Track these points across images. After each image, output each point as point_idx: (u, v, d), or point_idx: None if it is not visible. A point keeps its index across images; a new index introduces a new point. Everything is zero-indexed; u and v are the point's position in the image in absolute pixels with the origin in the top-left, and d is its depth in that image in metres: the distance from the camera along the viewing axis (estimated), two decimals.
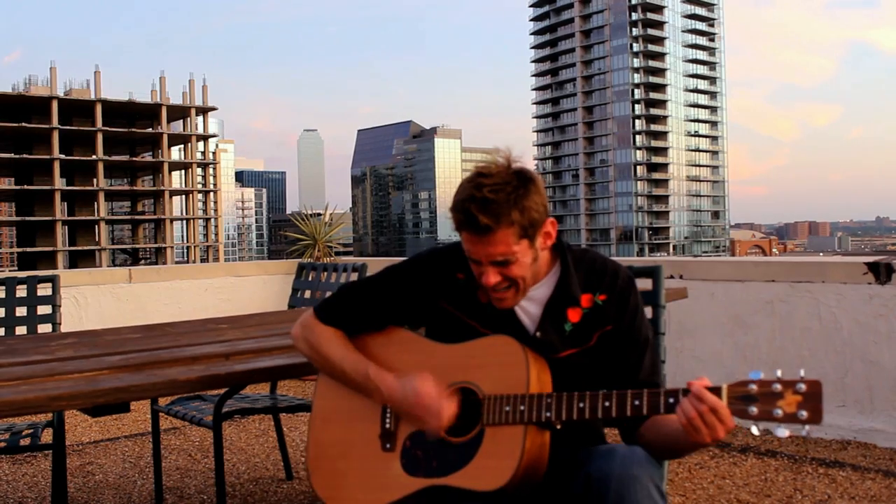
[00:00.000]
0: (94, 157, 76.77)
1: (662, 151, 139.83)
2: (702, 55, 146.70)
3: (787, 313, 5.28)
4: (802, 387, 1.84)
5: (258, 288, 8.31)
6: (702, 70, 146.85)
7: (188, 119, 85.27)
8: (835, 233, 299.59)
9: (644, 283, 2.84)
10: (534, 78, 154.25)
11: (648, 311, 2.82)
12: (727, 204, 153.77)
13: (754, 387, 1.88)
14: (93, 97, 78.01)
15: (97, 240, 79.63)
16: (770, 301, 5.36)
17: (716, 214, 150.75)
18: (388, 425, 2.23)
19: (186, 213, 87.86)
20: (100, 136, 76.78)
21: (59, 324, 4.19)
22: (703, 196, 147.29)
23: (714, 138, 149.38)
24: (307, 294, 4.79)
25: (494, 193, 2.06)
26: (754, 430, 1.88)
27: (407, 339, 2.34)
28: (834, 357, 5.06)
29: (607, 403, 2.02)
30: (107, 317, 7.23)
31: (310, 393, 2.42)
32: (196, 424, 3.82)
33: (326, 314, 2.37)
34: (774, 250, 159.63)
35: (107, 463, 4.93)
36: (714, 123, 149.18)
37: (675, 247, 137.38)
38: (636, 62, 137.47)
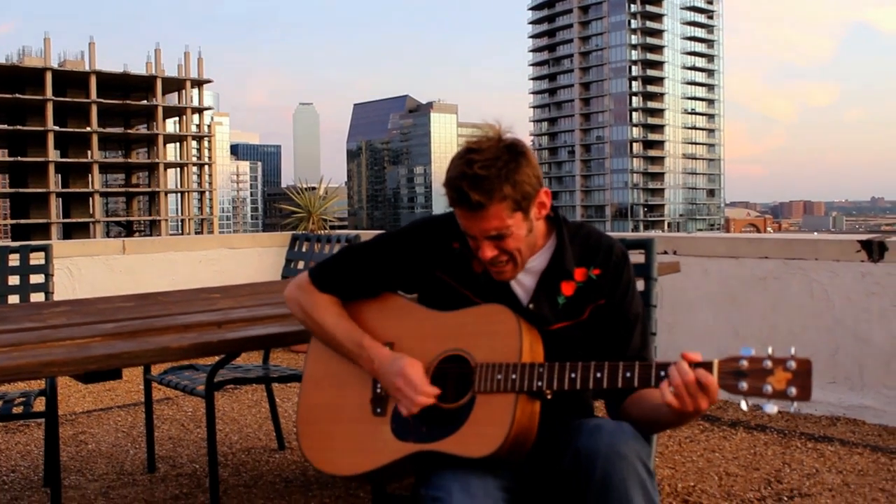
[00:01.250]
0: (88, 129, 76.48)
1: (659, 129, 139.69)
2: (700, 33, 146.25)
3: (780, 290, 5.29)
4: (793, 364, 1.85)
5: (252, 260, 8.31)
6: (700, 48, 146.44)
7: (183, 92, 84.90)
8: (830, 212, 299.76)
9: (637, 257, 2.85)
10: (531, 53, 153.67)
11: (640, 284, 2.84)
12: (723, 182, 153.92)
13: (745, 363, 1.89)
14: (87, 69, 77.64)
15: (91, 212, 79.44)
16: (763, 278, 5.38)
17: (711, 192, 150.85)
18: (379, 390, 2.24)
19: (181, 186, 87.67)
20: (94, 108, 76.45)
21: (52, 293, 4.19)
22: (699, 174, 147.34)
23: (711, 116, 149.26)
24: (300, 265, 4.80)
25: (485, 170, 2.06)
26: (744, 406, 1.89)
27: (401, 306, 2.35)
28: (825, 334, 5.07)
29: (599, 374, 2.03)
30: (100, 288, 7.22)
31: (302, 364, 2.43)
32: (189, 393, 3.83)
33: (322, 280, 2.37)
34: (769, 229, 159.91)
35: (100, 432, 4.94)
36: (711, 101, 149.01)
37: (669, 224, 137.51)
38: (634, 39, 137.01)
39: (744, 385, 1.87)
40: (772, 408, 1.85)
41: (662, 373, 1.98)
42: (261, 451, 4.53)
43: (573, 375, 2.04)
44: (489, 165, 2.07)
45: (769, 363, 1.86)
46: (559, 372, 2.06)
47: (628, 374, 2.01)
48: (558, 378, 2.05)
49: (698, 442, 4.52)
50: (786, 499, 3.66)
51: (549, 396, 2.10)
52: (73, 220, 77.82)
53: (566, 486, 2.10)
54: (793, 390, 1.83)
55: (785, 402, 1.85)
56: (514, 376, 2.07)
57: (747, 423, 4.86)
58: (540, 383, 2.06)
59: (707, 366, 1.92)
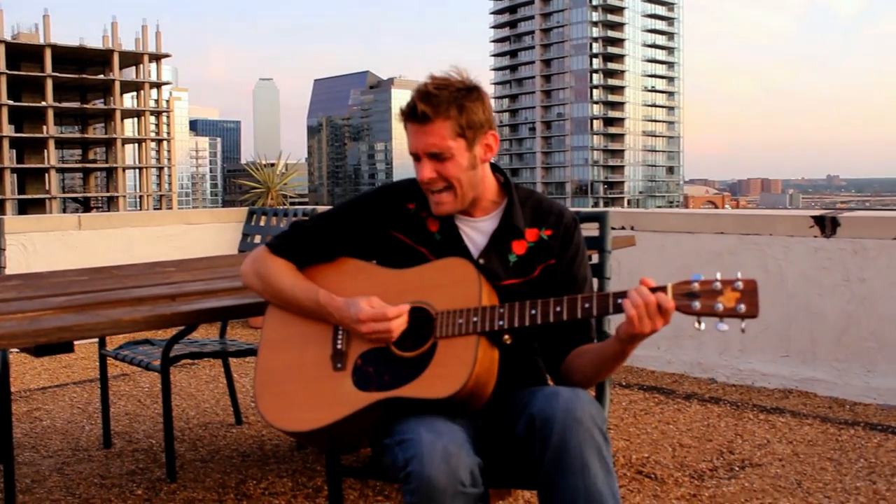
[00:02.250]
0: (43, 103, 75.18)
1: (619, 106, 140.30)
2: (661, 10, 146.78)
3: (736, 265, 5.34)
4: (740, 284, 1.98)
5: (210, 236, 8.25)
6: (660, 25, 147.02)
7: (141, 66, 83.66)
8: (786, 190, 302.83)
9: (591, 230, 2.88)
10: (492, 30, 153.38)
11: (595, 257, 2.86)
12: (682, 159, 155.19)
13: (696, 285, 2.02)
14: (42, 42, 76.21)
15: (47, 188, 78.25)
16: (719, 253, 5.43)
17: (670, 170, 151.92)
18: (339, 345, 2.25)
19: (139, 162, 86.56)
20: (49, 82, 75.14)
21: (4, 267, 4.15)
22: (659, 151, 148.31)
23: (671, 94, 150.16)
24: (257, 239, 4.78)
25: (438, 90, 2.22)
26: (697, 325, 2.00)
27: (359, 267, 2.38)
28: (779, 308, 5.14)
29: (558, 308, 2.09)
30: (55, 264, 7.09)
31: (259, 339, 2.42)
32: (144, 368, 3.81)
33: (277, 247, 2.41)
34: (727, 206, 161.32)
35: (54, 409, 4.90)
36: (671, 79, 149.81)
37: (629, 201, 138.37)
38: (595, 16, 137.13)
39: (696, 304, 2.00)
40: (723, 326, 1.98)
41: (620, 299, 2.05)
42: (218, 426, 4.52)
43: (533, 312, 2.10)
44: (442, 87, 2.22)
45: (719, 284, 2.00)
46: (519, 309, 2.11)
47: (587, 305, 2.08)
48: (519, 315, 2.11)
49: (653, 414, 4.57)
50: (737, 468, 3.72)
51: (508, 342, 2.16)
52: (29, 197, 76.61)
53: (522, 453, 2.12)
54: (742, 307, 1.97)
55: (735, 320, 1.98)
56: (475, 319, 2.12)
57: (701, 395, 4.92)
58: (501, 322, 2.11)
59: (661, 289, 2.03)
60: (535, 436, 2.06)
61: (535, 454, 2.06)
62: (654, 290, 2.03)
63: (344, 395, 2.18)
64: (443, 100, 2.19)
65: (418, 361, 2.14)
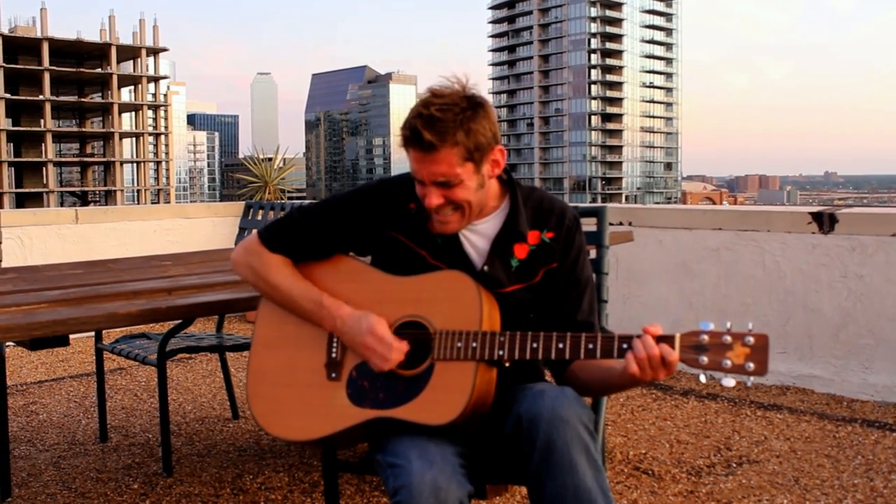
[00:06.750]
0: (41, 97, 74.99)
1: (617, 102, 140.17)
2: (659, 6, 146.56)
3: (733, 261, 5.35)
4: (751, 339, 1.90)
5: (208, 230, 8.23)
6: (658, 21, 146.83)
7: (139, 60, 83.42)
8: (784, 187, 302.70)
9: (590, 225, 2.87)
10: (490, 25, 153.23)
11: (592, 252, 2.85)
12: (680, 156, 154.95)
13: (705, 337, 1.93)
14: (39, 35, 76.00)
15: (45, 182, 78.10)
16: (716, 249, 5.43)
17: (668, 166, 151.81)
18: (334, 354, 2.20)
19: (137, 156, 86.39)
20: (47, 76, 74.93)
21: (0, 261, 4.12)
22: (657, 147, 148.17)
23: (669, 90, 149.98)
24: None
25: (442, 112, 2.06)
26: (702, 378, 1.93)
27: (357, 269, 2.31)
28: (777, 305, 5.14)
29: (561, 345, 2.03)
30: (52, 257, 7.10)
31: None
32: (140, 362, 3.80)
33: (272, 240, 2.32)
34: (725, 203, 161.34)
35: (51, 402, 4.89)
36: (669, 75, 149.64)
37: (627, 197, 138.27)
38: (593, 11, 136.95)
39: (704, 359, 1.92)
40: (730, 381, 1.90)
41: (625, 345, 1.99)
42: (214, 421, 4.51)
43: (535, 345, 2.05)
44: (446, 109, 2.07)
45: (728, 338, 1.91)
46: (521, 342, 2.05)
47: (591, 346, 2.02)
48: (520, 348, 2.05)
49: (650, 410, 4.57)
50: (734, 465, 3.72)
51: (507, 364, 2.10)
52: (27, 190, 76.46)
53: (511, 451, 2.10)
54: (751, 365, 1.89)
55: (742, 376, 1.90)
56: (474, 344, 2.06)
57: (699, 392, 4.92)
58: (501, 352, 2.05)
59: (669, 339, 1.95)
60: (522, 435, 2.04)
61: (524, 453, 2.04)
62: (660, 339, 1.96)
63: (338, 408, 2.15)
64: (448, 124, 2.06)
65: (415, 381, 2.10)
